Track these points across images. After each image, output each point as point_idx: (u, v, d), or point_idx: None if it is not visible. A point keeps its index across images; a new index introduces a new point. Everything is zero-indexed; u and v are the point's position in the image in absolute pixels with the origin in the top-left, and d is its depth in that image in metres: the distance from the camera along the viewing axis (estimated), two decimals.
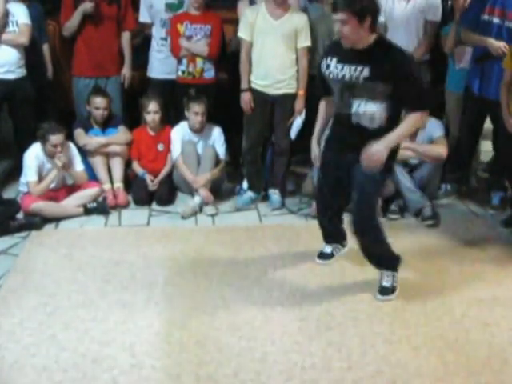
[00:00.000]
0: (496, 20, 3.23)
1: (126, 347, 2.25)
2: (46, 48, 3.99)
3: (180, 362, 2.17)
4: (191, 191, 3.70)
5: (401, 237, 3.23)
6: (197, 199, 3.60)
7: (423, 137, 3.57)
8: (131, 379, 2.08)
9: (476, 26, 3.32)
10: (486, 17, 3.25)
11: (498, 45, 3.19)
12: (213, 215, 3.54)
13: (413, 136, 3.55)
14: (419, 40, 3.73)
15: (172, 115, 3.92)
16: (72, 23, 3.79)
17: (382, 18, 3.78)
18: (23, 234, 3.23)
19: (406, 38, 3.74)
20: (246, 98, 3.50)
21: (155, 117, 3.77)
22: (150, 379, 2.08)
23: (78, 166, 3.61)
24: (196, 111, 3.63)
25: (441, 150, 3.50)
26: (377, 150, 2.33)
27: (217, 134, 3.78)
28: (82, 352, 2.22)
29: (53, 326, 2.38)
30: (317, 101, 3.57)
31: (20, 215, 3.37)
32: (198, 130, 3.73)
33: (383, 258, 2.63)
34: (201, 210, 3.58)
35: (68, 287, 2.69)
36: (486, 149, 4.09)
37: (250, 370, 2.13)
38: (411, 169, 3.59)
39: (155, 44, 3.96)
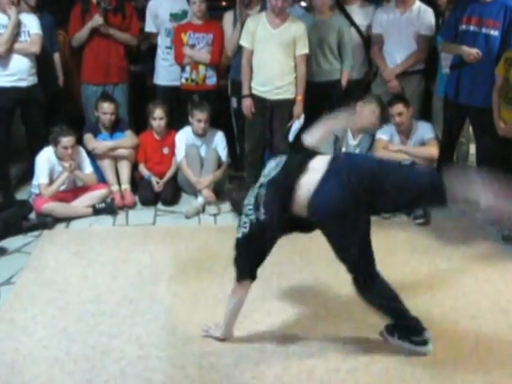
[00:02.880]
0: (472, 28, 3.25)
1: (133, 339, 2.28)
2: (56, 57, 4.03)
3: (184, 352, 2.20)
4: (195, 192, 3.73)
5: (393, 235, 3.28)
6: (200, 200, 3.64)
7: (415, 139, 3.61)
8: (138, 369, 2.11)
9: (454, 37, 3.35)
10: (463, 27, 3.28)
11: (469, 51, 3.22)
12: (215, 215, 3.57)
13: (405, 139, 3.59)
14: (410, 52, 3.76)
15: (176, 120, 3.96)
16: (81, 35, 3.84)
17: (378, 30, 3.83)
18: (35, 233, 3.27)
19: (398, 50, 3.78)
20: (247, 104, 3.53)
21: (160, 123, 3.80)
22: (155, 369, 2.11)
23: (88, 168, 3.65)
24: (199, 118, 3.66)
25: (432, 150, 3.53)
26: None
27: (219, 138, 3.82)
28: (92, 344, 2.25)
29: (64, 319, 2.42)
30: (313, 105, 3.63)
31: (32, 215, 3.40)
32: (201, 135, 3.77)
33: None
34: (204, 209, 3.62)
35: (78, 283, 2.72)
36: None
37: (250, 359, 2.16)
38: None
39: (161, 53, 4.01)
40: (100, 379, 2.06)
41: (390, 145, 3.58)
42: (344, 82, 3.77)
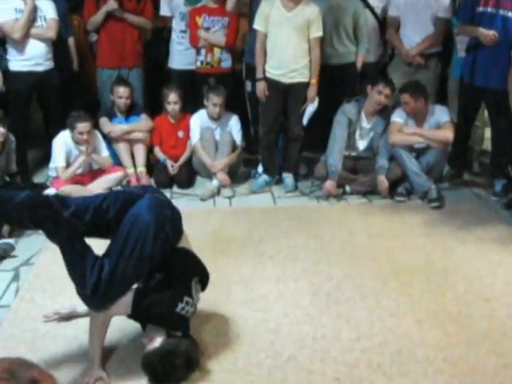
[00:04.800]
0: (490, 9, 3.17)
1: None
2: (71, 41, 4.02)
3: (200, 332, 2.21)
4: (209, 175, 3.73)
5: (407, 218, 3.25)
6: (215, 182, 3.64)
7: (430, 123, 3.55)
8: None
9: (471, 19, 3.27)
10: (480, 8, 3.21)
11: (486, 33, 3.14)
12: (230, 197, 3.57)
13: (420, 122, 3.53)
14: (427, 35, 3.68)
15: (191, 103, 3.94)
16: (96, 19, 3.83)
17: (395, 13, 3.76)
18: None
19: (415, 32, 3.71)
20: (261, 87, 3.50)
21: (175, 107, 3.79)
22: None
23: (104, 151, 3.66)
24: (215, 102, 3.64)
25: (447, 134, 3.48)
26: None
27: (234, 122, 3.80)
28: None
29: None
30: (328, 88, 3.59)
31: None
32: (215, 119, 3.75)
33: None
34: (219, 192, 3.62)
35: None
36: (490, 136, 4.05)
37: (265, 339, 2.17)
38: (418, 154, 3.57)
39: (175, 37, 3.97)
40: (117, 356, 2.08)
41: (404, 127, 3.53)
42: (359, 65, 3.72)
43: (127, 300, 1.88)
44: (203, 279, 2.08)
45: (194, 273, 2.03)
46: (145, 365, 1.88)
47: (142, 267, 1.89)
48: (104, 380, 1.94)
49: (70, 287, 2.49)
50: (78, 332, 2.21)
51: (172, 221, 1.97)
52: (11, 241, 2.88)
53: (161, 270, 1.93)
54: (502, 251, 2.84)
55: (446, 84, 3.92)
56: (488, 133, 3.88)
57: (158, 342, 1.88)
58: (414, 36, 3.72)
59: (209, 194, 3.56)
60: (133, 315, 1.93)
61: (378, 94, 3.45)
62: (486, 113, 3.70)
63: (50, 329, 2.25)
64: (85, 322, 2.26)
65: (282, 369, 2.01)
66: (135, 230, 1.85)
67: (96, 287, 1.83)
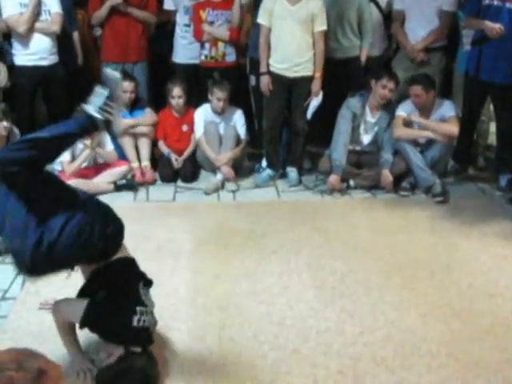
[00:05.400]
0: (496, 2, 3.14)
1: (154, 311, 2.31)
2: (75, 35, 4.02)
3: (204, 325, 2.23)
4: (213, 169, 3.73)
5: (411, 212, 3.24)
6: (219, 176, 3.64)
7: (435, 117, 3.53)
8: (159, 341, 2.13)
9: (477, 13, 3.24)
10: (486, 1, 3.17)
11: (492, 26, 3.11)
12: (234, 191, 3.57)
13: (426, 115, 3.51)
14: (432, 29, 3.65)
15: (195, 97, 3.93)
16: (100, 14, 3.82)
17: (400, 6, 3.73)
18: None
19: (420, 26, 3.68)
20: (265, 81, 3.49)
21: (179, 101, 3.78)
22: (176, 341, 2.14)
23: (109, 145, 3.67)
24: (219, 97, 3.63)
25: (452, 128, 3.45)
26: None
27: (238, 116, 3.79)
28: None
29: None
30: (332, 82, 3.57)
31: None
32: (220, 113, 3.75)
33: None
34: (223, 186, 3.62)
35: None
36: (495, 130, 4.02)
37: (269, 332, 2.17)
38: (422, 148, 3.56)
39: (179, 30, 3.96)
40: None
41: (412, 115, 3.48)
42: (363, 59, 3.70)
43: (79, 308, 1.80)
44: (147, 280, 1.97)
45: (137, 278, 1.93)
46: (98, 380, 1.83)
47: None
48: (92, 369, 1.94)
49: (75, 279, 2.53)
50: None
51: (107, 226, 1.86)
52: None
53: (103, 286, 1.86)
54: (507, 246, 2.83)
55: (451, 78, 3.90)
56: (493, 127, 3.86)
57: (114, 357, 1.80)
58: (418, 30, 3.70)
59: (213, 187, 3.57)
60: (81, 326, 1.85)
61: (382, 88, 3.44)
62: (491, 107, 3.68)
63: None
64: None
65: (285, 361, 2.01)
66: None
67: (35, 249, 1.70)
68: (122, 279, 1.90)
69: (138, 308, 1.84)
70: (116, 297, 1.84)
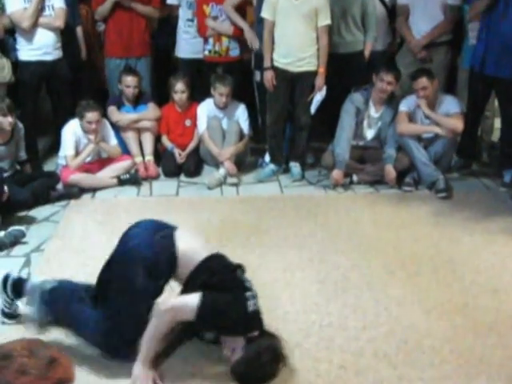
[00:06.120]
0: None
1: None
2: (79, 30, 4.01)
3: None
4: (216, 164, 3.72)
5: (415, 208, 3.23)
6: (222, 171, 3.62)
7: (440, 111, 3.48)
8: None
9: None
10: None
11: None
12: (235, 184, 3.55)
13: (430, 109, 3.46)
14: (437, 23, 3.62)
15: (199, 92, 3.92)
16: (104, 8, 3.80)
17: (404, 0, 3.70)
18: (63, 203, 3.31)
19: (424, 20, 3.65)
20: (268, 76, 3.47)
21: (182, 96, 3.77)
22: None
23: (112, 140, 3.66)
24: (221, 92, 3.62)
25: (457, 124, 3.41)
26: None
27: (241, 111, 3.77)
28: None
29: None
30: (336, 77, 3.55)
31: (59, 186, 3.44)
32: (222, 108, 3.73)
33: None
34: (226, 181, 3.61)
35: (104, 250, 2.71)
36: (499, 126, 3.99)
37: (272, 327, 2.13)
38: (426, 143, 3.53)
39: (182, 25, 3.94)
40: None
41: (421, 102, 3.39)
42: (367, 54, 3.67)
43: (192, 302, 1.80)
44: (241, 267, 1.99)
45: (232, 268, 1.96)
46: (236, 376, 1.84)
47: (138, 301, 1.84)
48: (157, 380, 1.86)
49: (80, 273, 2.54)
50: None
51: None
52: (22, 227, 2.90)
53: (202, 286, 1.85)
54: (510, 242, 2.81)
55: (456, 74, 3.86)
56: (498, 123, 3.83)
57: (239, 350, 1.83)
58: (423, 24, 3.66)
59: (216, 182, 3.55)
60: (198, 323, 1.82)
61: (380, 82, 3.41)
62: (496, 103, 3.65)
63: None
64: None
65: (288, 356, 2.00)
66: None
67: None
68: (218, 275, 1.90)
69: (248, 293, 1.86)
70: (223, 289, 1.86)
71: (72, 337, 2.03)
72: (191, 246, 1.95)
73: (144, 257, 1.87)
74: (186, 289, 1.92)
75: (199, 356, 1.99)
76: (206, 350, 2.01)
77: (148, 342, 1.84)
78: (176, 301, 1.86)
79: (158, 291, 1.92)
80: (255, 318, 1.87)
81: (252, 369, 1.81)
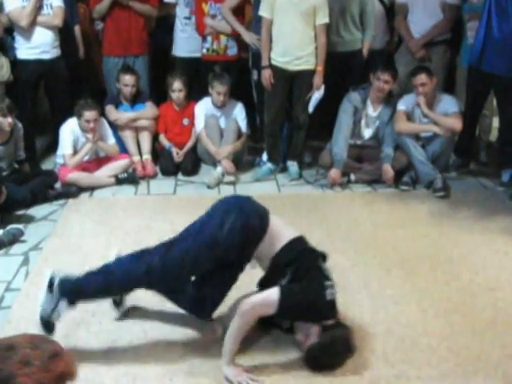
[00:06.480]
0: None
1: (155, 303, 2.29)
2: (77, 29, 4.00)
3: None
4: (214, 163, 3.71)
5: (412, 207, 3.23)
6: (219, 169, 3.62)
7: (437, 111, 3.47)
8: (160, 332, 2.13)
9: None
10: None
11: None
12: (232, 183, 3.55)
13: (428, 108, 3.46)
14: (436, 22, 3.62)
15: (196, 91, 3.92)
16: (102, 7, 3.79)
17: None
18: (61, 201, 3.31)
19: (423, 19, 3.65)
20: (266, 75, 3.46)
21: (180, 95, 3.76)
22: (176, 332, 2.13)
23: (110, 139, 3.65)
24: (219, 91, 3.61)
25: (455, 123, 3.41)
26: None
27: (238, 109, 3.77)
28: None
29: None
30: (334, 76, 3.55)
31: (58, 185, 3.44)
32: (220, 106, 3.72)
33: None
34: (223, 179, 3.60)
35: (102, 250, 2.74)
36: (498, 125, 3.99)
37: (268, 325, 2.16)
38: (424, 142, 3.53)
39: (179, 23, 3.93)
40: (124, 340, 2.09)
41: (421, 99, 3.39)
42: (365, 52, 3.67)
43: (272, 296, 1.82)
44: (323, 254, 2.02)
45: (313, 254, 1.97)
46: (309, 361, 1.91)
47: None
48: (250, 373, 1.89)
49: (78, 272, 2.52)
50: (86, 316, 2.22)
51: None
52: (20, 226, 2.89)
53: (284, 272, 1.90)
54: (508, 242, 2.81)
55: (455, 73, 3.86)
56: (496, 122, 3.84)
57: (314, 336, 1.88)
58: (422, 23, 3.66)
59: (215, 181, 3.54)
60: (279, 313, 1.84)
61: (377, 81, 3.40)
62: (494, 102, 3.65)
63: None
64: (92, 306, 2.27)
65: (286, 353, 2.00)
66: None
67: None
68: (303, 259, 1.92)
69: (327, 283, 1.88)
70: (303, 277, 1.88)
71: (66, 333, 2.04)
72: (280, 223, 2.01)
73: (237, 215, 1.92)
74: (271, 270, 1.95)
75: (272, 344, 2.03)
76: (279, 338, 2.04)
77: (232, 343, 1.88)
78: (257, 298, 1.87)
79: (244, 260, 1.97)
80: (332, 306, 1.90)
81: (326, 355, 1.89)
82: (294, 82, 3.47)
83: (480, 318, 2.21)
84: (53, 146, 3.80)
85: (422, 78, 3.37)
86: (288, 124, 3.73)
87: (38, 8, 3.52)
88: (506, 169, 3.50)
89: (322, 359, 1.90)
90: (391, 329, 2.14)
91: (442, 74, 3.73)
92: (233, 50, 3.83)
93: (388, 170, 3.47)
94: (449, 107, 3.45)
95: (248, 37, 3.67)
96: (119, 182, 3.56)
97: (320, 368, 1.90)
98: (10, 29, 3.64)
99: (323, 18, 3.35)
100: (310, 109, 3.51)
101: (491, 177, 3.63)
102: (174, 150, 3.78)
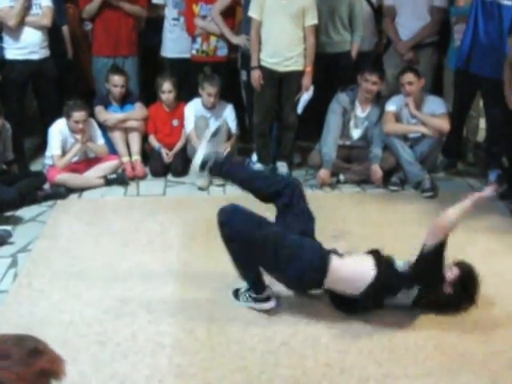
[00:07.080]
0: None
1: (144, 305, 2.31)
2: (65, 29, 3.98)
3: (193, 317, 2.22)
4: None
5: (401, 207, 3.26)
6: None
7: (425, 112, 3.49)
8: (149, 333, 2.14)
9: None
10: None
11: None
12: (222, 185, 3.55)
13: (416, 109, 3.49)
14: (423, 24, 3.65)
15: (186, 92, 3.92)
16: (91, 7, 3.78)
17: (391, 2, 3.73)
18: (50, 203, 3.29)
19: (411, 21, 3.68)
20: (255, 76, 3.48)
21: (169, 96, 3.76)
22: (165, 333, 2.14)
23: (99, 140, 3.64)
24: (209, 92, 3.61)
25: (443, 124, 3.44)
26: None
27: (228, 111, 3.77)
28: (105, 309, 2.28)
29: (78, 285, 2.45)
30: (323, 77, 3.57)
31: (46, 186, 3.42)
32: (210, 108, 3.73)
33: None
34: (213, 181, 3.60)
35: (91, 251, 2.75)
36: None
37: (259, 325, 2.17)
38: (412, 143, 3.56)
39: (168, 25, 3.93)
40: (112, 342, 2.09)
41: (409, 100, 3.42)
42: (354, 54, 3.69)
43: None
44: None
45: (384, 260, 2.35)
46: (468, 277, 2.27)
47: None
48: None
49: (67, 274, 2.53)
50: (74, 317, 2.23)
51: None
52: (9, 227, 2.88)
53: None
54: (495, 241, 2.85)
55: (442, 75, 3.90)
56: (483, 123, 3.88)
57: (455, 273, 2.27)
58: (410, 25, 3.69)
59: (207, 183, 3.52)
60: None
61: (365, 82, 3.43)
62: (481, 103, 3.69)
63: (46, 313, 2.26)
64: (80, 308, 2.28)
65: (274, 354, 2.02)
66: None
67: None
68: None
69: None
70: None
71: (54, 335, 2.03)
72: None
73: None
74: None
75: None
76: None
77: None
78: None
79: None
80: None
81: (475, 277, 2.23)
82: (283, 83, 3.48)
83: (466, 317, 2.23)
84: (41, 146, 3.78)
85: (409, 76, 3.40)
86: (277, 125, 3.75)
87: (27, 8, 3.49)
88: (492, 169, 3.54)
89: (476, 280, 2.23)
90: (378, 328, 2.16)
91: (429, 76, 3.76)
92: (223, 51, 3.83)
93: (377, 171, 3.49)
94: (436, 108, 3.49)
95: (236, 40, 3.68)
96: (108, 182, 3.55)
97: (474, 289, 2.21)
98: None
99: (312, 20, 3.37)
100: (299, 110, 3.52)
101: (478, 177, 3.67)
102: (164, 151, 3.77)
